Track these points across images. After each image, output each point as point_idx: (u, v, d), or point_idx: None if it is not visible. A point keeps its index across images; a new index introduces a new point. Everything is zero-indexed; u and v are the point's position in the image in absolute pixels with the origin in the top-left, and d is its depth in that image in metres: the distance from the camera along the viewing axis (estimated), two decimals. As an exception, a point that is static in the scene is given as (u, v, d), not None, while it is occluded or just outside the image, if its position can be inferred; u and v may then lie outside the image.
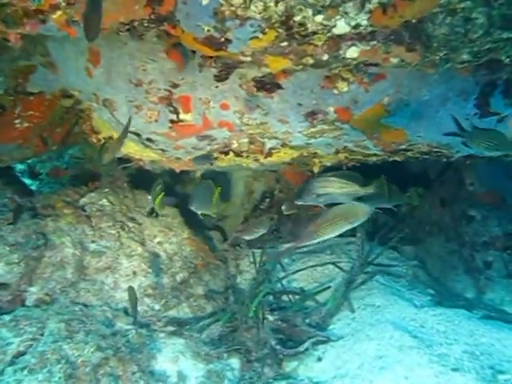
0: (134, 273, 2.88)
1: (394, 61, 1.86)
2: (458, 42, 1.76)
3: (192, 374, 2.50)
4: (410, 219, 4.19)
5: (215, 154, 2.83)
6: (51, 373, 2.09)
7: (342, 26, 1.72)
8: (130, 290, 2.44)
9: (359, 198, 2.54)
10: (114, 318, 2.61)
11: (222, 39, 1.80)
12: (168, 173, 3.39)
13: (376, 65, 1.93)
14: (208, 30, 1.78)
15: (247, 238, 3.27)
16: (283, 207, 3.91)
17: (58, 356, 2.16)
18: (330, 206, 2.28)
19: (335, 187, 2.72)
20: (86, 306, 2.61)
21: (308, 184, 2.80)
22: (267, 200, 4.02)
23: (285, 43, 1.80)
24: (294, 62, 1.89)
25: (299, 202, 2.77)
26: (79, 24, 1.55)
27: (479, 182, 3.67)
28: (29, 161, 4.51)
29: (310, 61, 1.86)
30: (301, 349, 2.62)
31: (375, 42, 1.78)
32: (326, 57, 1.83)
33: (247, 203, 4.05)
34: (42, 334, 2.30)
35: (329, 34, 1.75)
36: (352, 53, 1.81)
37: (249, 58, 1.92)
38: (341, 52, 1.81)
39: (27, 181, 4.41)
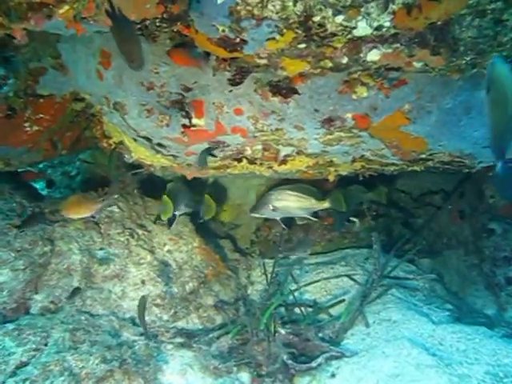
0: (143, 281, 2.80)
1: (418, 65, 1.77)
2: (486, 46, 1.67)
3: (200, 388, 2.41)
4: (428, 231, 4.09)
5: (228, 161, 2.76)
6: (54, 385, 2.01)
7: (363, 28, 1.64)
8: (141, 299, 2.37)
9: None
10: (120, 328, 2.53)
11: (237, 40, 1.73)
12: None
13: (398, 69, 1.84)
14: (223, 31, 1.70)
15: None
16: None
17: (62, 368, 2.08)
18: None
19: (291, 200, 2.68)
20: (92, 315, 2.53)
21: (264, 197, 2.75)
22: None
23: (303, 45, 1.72)
24: (311, 65, 1.81)
25: (253, 214, 2.73)
26: (88, 21, 1.48)
27: (500, 194, 3.55)
28: (40, 165, 4.46)
29: (329, 64, 1.78)
30: (313, 364, 2.52)
31: (398, 45, 1.69)
32: (345, 60, 1.75)
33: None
34: (46, 344, 2.22)
35: (349, 36, 1.67)
36: (373, 56, 1.73)
37: (265, 61, 1.85)
38: (361, 55, 1.72)
39: (38, 185, 4.37)
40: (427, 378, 2.27)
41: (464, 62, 1.73)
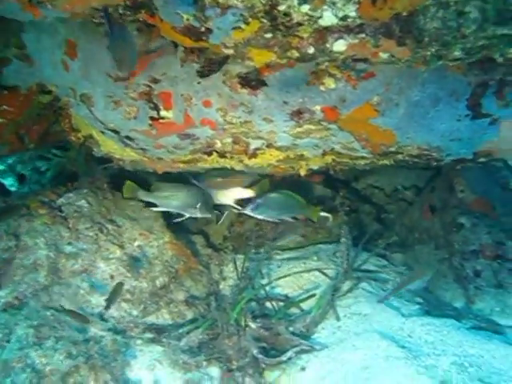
0: (112, 277, 2.76)
1: (384, 56, 1.77)
2: (450, 37, 1.68)
3: (169, 382, 2.38)
4: (400, 226, 4.12)
5: (198, 155, 2.73)
6: (15, 383, 1.96)
7: (328, 17, 1.63)
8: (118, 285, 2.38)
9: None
10: (88, 323, 2.48)
11: (202, 29, 1.70)
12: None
13: (365, 60, 1.84)
14: (187, 19, 1.68)
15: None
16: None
17: (24, 364, 2.03)
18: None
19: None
20: (58, 310, 2.47)
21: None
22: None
23: (269, 35, 1.71)
24: (278, 55, 1.80)
25: None
26: (45, 6, 1.44)
27: (470, 189, 3.59)
28: (9, 161, 4.37)
29: (296, 54, 1.77)
30: (283, 358, 2.51)
31: (364, 35, 1.69)
32: (311, 50, 1.74)
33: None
34: (9, 341, 2.17)
35: (315, 26, 1.66)
36: (339, 46, 1.72)
37: (231, 51, 1.83)
38: (327, 45, 1.72)
39: (7, 181, 4.28)
40: (395, 370, 2.28)
41: (429, 53, 1.73)
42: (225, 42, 1.75)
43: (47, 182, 4.14)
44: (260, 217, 2.92)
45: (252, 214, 2.85)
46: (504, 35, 1.69)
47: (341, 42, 1.71)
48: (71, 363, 2.11)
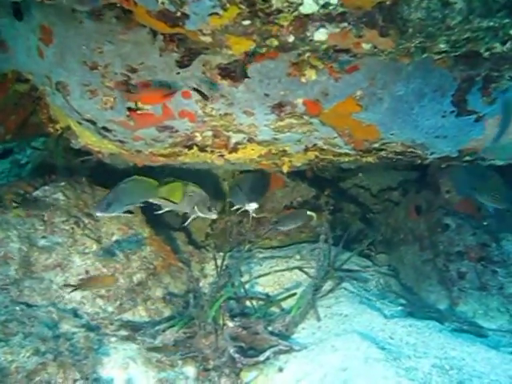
0: (87, 272, 2.68)
1: (366, 46, 1.71)
2: (434, 29, 1.62)
3: (142, 382, 2.32)
4: (385, 227, 4.08)
5: (178, 148, 2.66)
6: (-23, 380, 1.89)
7: (309, 5, 1.56)
8: None
9: None
10: (60, 319, 2.40)
11: (178, 14, 1.63)
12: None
13: (347, 51, 1.78)
14: (162, 3, 1.61)
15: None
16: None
17: (-13, 361, 1.95)
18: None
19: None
20: (29, 305, 2.39)
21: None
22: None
23: (247, 22, 1.64)
24: (257, 43, 1.73)
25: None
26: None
27: (456, 189, 3.55)
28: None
29: (275, 42, 1.71)
30: (261, 358, 2.45)
31: (346, 24, 1.63)
32: (291, 38, 1.67)
33: (216, 205, 3.87)
34: (-26, 337, 2.09)
35: (295, 13, 1.59)
36: (320, 35, 1.66)
37: (209, 38, 1.76)
38: (308, 34, 1.65)
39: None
40: (374, 372, 2.24)
41: (413, 44, 1.68)
42: (202, 28, 1.69)
43: (27, 176, 4.05)
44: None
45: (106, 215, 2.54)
46: (490, 28, 1.64)
47: (322, 30, 1.65)
48: (38, 360, 2.03)
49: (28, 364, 2.01)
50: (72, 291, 2.50)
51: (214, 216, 2.91)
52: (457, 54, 1.80)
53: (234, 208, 3.10)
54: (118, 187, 2.43)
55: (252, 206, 2.93)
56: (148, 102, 2.25)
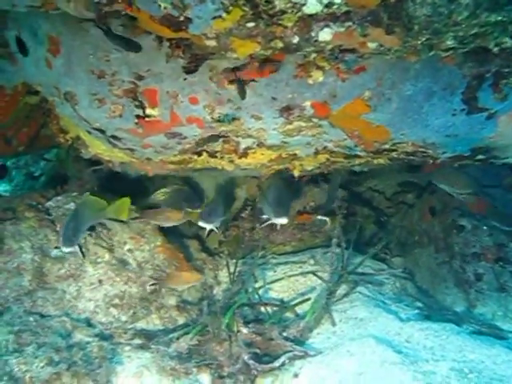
0: (100, 281, 2.68)
1: (372, 45, 1.69)
2: (441, 25, 1.60)
3: (157, 390, 2.30)
4: (400, 229, 4.04)
5: (188, 155, 2.66)
6: (-9, 391, 1.89)
7: (313, 5, 1.55)
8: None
9: None
10: (73, 329, 2.40)
11: (182, 18, 1.63)
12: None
13: (353, 51, 1.76)
14: (165, 8, 1.61)
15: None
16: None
17: (2, 372, 1.95)
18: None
19: None
20: (42, 316, 2.40)
21: None
22: (249, 208, 3.83)
23: (251, 24, 1.63)
24: (262, 45, 1.72)
25: None
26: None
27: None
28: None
29: (280, 44, 1.70)
30: (276, 364, 2.42)
31: (350, 24, 1.61)
32: (296, 39, 1.66)
33: (228, 211, 3.86)
34: (-12, 348, 2.09)
35: (299, 14, 1.59)
36: (325, 35, 1.65)
37: (213, 42, 1.75)
38: (313, 34, 1.64)
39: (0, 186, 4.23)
40: (391, 376, 2.20)
41: (420, 42, 1.66)
42: (206, 32, 1.68)
43: (40, 187, 4.08)
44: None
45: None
46: (498, 22, 1.61)
47: (326, 30, 1.63)
48: (52, 370, 2.03)
49: (42, 374, 2.01)
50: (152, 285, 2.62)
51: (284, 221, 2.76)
52: (465, 50, 1.77)
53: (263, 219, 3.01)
54: (71, 217, 2.47)
55: (282, 221, 2.75)
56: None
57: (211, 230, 2.96)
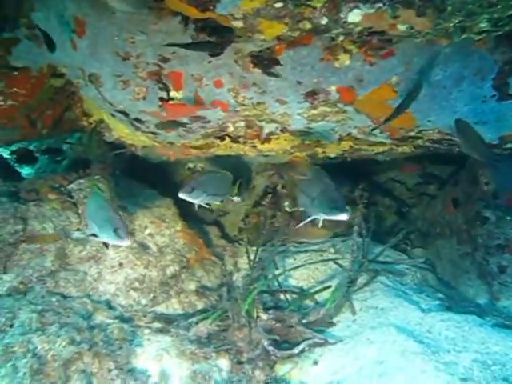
0: (121, 264, 2.70)
1: (402, 28, 1.65)
2: (475, 6, 1.55)
3: (176, 373, 2.31)
4: (422, 221, 3.99)
5: (210, 139, 2.65)
6: (15, 367, 1.91)
7: (343, -15, 1.52)
8: None
9: None
10: (94, 311, 2.42)
11: (209, -2, 1.61)
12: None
13: (382, 33, 1.72)
14: (193, -13, 1.59)
15: None
16: (286, 204, 3.73)
17: (25, 349, 1.97)
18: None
19: None
20: (64, 296, 2.42)
21: None
22: (269, 196, 3.81)
23: (279, 4, 1.61)
24: (289, 26, 1.70)
25: None
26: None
27: (496, 181, 3.44)
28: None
29: (308, 25, 1.67)
30: (295, 351, 2.42)
31: (381, 5, 1.57)
32: (325, 20, 1.63)
33: (248, 199, 3.85)
34: (12, 325, 2.12)
35: (328, -6, 1.55)
36: (354, 17, 1.61)
37: (240, 23, 1.73)
38: (342, 15, 1.61)
39: (24, 170, 4.27)
40: (412, 365, 2.17)
41: (452, 24, 1.61)
42: (233, 12, 1.66)
43: (62, 170, 4.11)
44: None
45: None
46: (535, 3, 1.56)
47: (356, 11, 1.60)
48: (74, 349, 2.05)
49: (64, 353, 2.02)
50: None
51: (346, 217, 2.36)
52: (499, 33, 1.72)
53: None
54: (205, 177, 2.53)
55: (343, 217, 2.34)
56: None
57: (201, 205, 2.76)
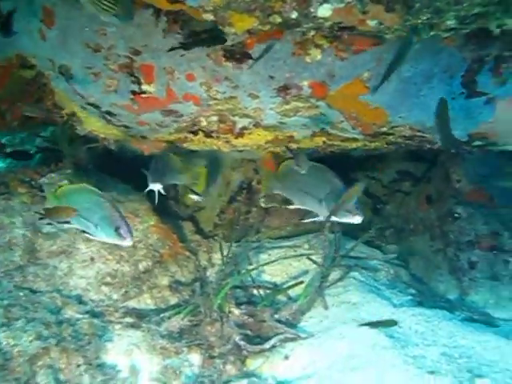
0: (92, 259, 2.66)
1: (372, 23, 1.66)
2: (442, 3, 1.57)
3: (146, 368, 2.29)
4: (396, 218, 4.03)
5: (184, 134, 2.63)
6: (-21, 363, 1.88)
7: (312, -21, 1.52)
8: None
9: None
10: (63, 305, 2.38)
11: (179, -11, 1.60)
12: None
13: (352, 28, 1.73)
14: (163, -22, 1.58)
15: None
16: (261, 200, 3.72)
17: (-11, 344, 1.94)
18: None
19: None
20: (33, 291, 2.38)
21: None
22: (244, 191, 3.81)
23: (249, -3, 1.60)
24: (260, 20, 1.69)
25: None
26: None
27: (466, 178, 3.49)
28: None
29: (278, 19, 1.66)
30: (266, 346, 2.43)
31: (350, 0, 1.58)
32: (295, 14, 1.63)
33: (224, 194, 3.84)
34: (-23, 321, 2.08)
35: (298, -12, 1.55)
36: (324, 11, 1.62)
37: (211, 16, 1.72)
38: (311, 9, 1.61)
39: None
40: (382, 359, 2.20)
41: (420, 21, 1.63)
42: (203, 4, 1.65)
43: (35, 164, 4.05)
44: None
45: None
46: (501, 2, 1.58)
47: (326, 6, 1.60)
48: (41, 345, 2.02)
49: (30, 348, 2.00)
50: None
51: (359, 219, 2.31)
52: (466, 31, 1.74)
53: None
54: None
55: (358, 220, 2.31)
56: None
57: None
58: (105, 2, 1.61)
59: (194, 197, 2.90)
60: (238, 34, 1.85)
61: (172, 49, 2.01)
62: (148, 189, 2.58)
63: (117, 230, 2.04)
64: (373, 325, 2.39)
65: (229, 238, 3.56)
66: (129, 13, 1.75)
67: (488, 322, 2.64)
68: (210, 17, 1.73)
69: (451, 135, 1.93)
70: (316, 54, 1.92)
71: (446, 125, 1.88)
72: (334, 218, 2.34)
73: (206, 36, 2.01)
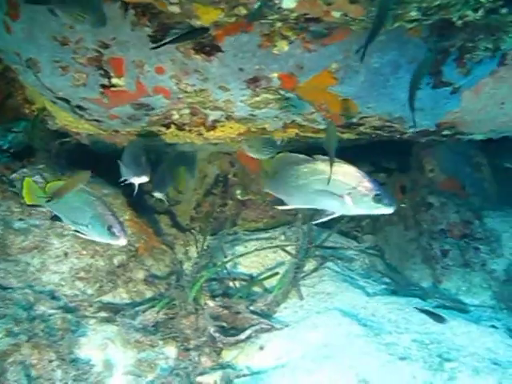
0: (66, 254, 2.64)
1: (337, 14, 1.67)
2: (405, -5, 1.59)
3: (120, 362, 2.29)
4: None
5: (156, 127, 2.62)
6: None
7: (276, -30, 1.53)
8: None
9: None
10: (36, 301, 2.37)
11: (143, -19, 1.59)
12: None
13: (317, 20, 1.74)
14: (126, -30, 1.57)
15: None
16: (238, 192, 3.73)
17: (-43, 344, 1.92)
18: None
19: None
20: (3, 288, 2.36)
21: None
22: (221, 184, 3.81)
23: (214, -11, 1.60)
24: (225, 12, 1.69)
25: None
26: None
27: (439, 168, 3.55)
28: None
29: (243, 11, 1.67)
30: (242, 337, 2.44)
31: (314, -9, 1.59)
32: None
33: (200, 187, 3.84)
34: None
35: (262, -21, 1.56)
36: (289, 3, 1.63)
37: (177, 8, 1.72)
38: (276, 1, 1.62)
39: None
40: (355, 347, 2.23)
41: (383, 12, 1.64)
42: (168, -3, 1.64)
43: (6, 160, 3.99)
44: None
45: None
46: (461, -7, 1.60)
47: (290, -3, 1.61)
48: (11, 341, 2.00)
49: (0, 345, 1.98)
50: None
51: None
52: (430, 22, 1.76)
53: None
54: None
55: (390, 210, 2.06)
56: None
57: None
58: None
59: (157, 194, 2.90)
60: (213, 34, 1.85)
61: (157, 46, 1.97)
62: (129, 182, 2.53)
63: (109, 229, 2.02)
64: (426, 312, 2.46)
65: (206, 232, 3.56)
66: (102, 19, 1.73)
67: (460, 309, 2.68)
68: (176, 9, 1.73)
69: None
70: (283, 46, 1.92)
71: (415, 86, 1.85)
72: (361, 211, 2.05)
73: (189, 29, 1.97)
